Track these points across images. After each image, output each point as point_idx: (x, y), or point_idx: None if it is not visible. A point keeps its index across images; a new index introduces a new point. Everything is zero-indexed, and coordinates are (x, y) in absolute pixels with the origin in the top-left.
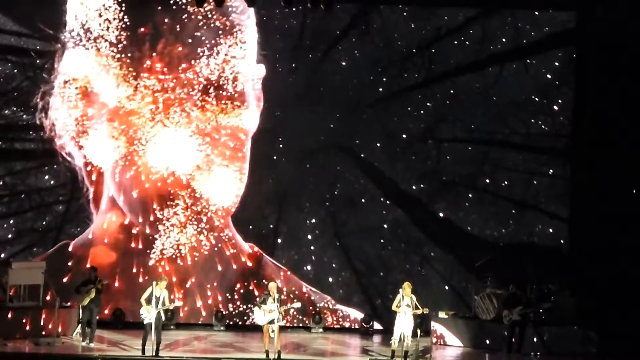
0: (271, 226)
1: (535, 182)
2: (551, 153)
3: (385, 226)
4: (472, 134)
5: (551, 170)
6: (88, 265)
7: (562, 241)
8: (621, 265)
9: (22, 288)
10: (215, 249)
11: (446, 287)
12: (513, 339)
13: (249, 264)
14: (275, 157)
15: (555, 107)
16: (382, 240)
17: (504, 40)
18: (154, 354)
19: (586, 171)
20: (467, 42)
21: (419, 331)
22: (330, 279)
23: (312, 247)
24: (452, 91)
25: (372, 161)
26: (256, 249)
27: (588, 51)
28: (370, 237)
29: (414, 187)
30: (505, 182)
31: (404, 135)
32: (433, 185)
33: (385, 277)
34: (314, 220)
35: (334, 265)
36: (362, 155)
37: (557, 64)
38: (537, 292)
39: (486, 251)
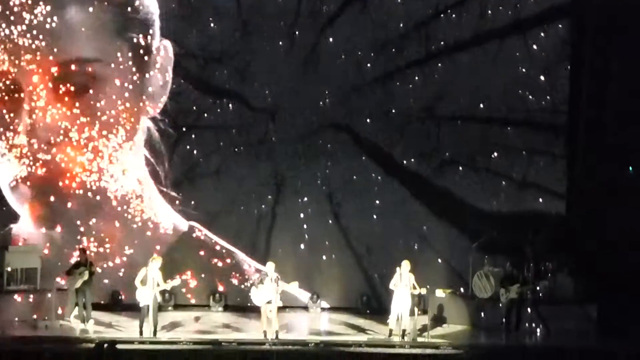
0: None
1: (534, 159)
2: (550, 130)
3: (383, 205)
4: (471, 112)
5: (550, 148)
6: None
7: (560, 219)
8: (620, 244)
9: (18, 271)
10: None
11: (444, 266)
12: (510, 318)
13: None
14: (275, 138)
15: (554, 84)
16: (379, 219)
17: (502, 15)
18: (152, 335)
19: (584, 149)
20: (465, 18)
21: (416, 310)
22: (324, 257)
23: (306, 227)
24: (451, 68)
25: (370, 140)
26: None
27: (587, 24)
28: (367, 217)
29: (413, 166)
30: (504, 160)
31: (403, 114)
32: (432, 163)
33: (383, 257)
34: (310, 200)
35: (327, 243)
36: (360, 134)
37: (556, 39)
38: (534, 271)
39: (485, 229)
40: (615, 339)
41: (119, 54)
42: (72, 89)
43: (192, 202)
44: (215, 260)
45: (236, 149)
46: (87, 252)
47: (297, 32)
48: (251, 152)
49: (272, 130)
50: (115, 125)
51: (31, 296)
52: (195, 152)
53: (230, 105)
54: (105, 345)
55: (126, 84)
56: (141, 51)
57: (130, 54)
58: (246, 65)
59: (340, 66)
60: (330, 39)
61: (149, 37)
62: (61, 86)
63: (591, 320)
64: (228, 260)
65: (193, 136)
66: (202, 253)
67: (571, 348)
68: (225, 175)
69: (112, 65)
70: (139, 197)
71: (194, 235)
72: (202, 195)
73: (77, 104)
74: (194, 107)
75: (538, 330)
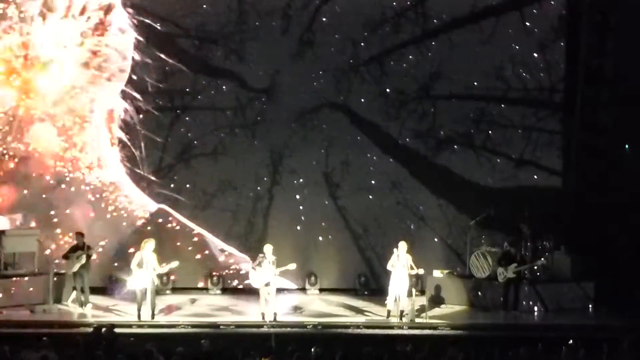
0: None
1: (531, 136)
2: (547, 107)
3: (380, 185)
4: (468, 90)
5: (547, 125)
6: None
7: (556, 195)
8: (618, 223)
9: (15, 256)
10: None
11: (441, 245)
12: (508, 297)
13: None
14: (271, 118)
15: (551, 61)
16: (376, 199)
17: None
18: (150, 319)
19: (581, 125)
20: None
21: (414, 290)
22: (321, 238)
23: (302, 207)
24: (447, 47)
25: (367, 120)
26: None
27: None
28: (364, 197)
29: (410, 145)
30: (501, 137)
31: (399, 93)
32: (429, 142)
33: (380, 237)
34: (306, 181)
35: (324, 224)
36: (357, 114)
37: (552, 15)
38: (531, 249)
39: (482, 208)
40: (612, 316)
41: None
42: None
43: (187, 185)
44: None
45: (232, 130)
46: (84, 235)
47: (292, 11)
48: (247, 132)
49: (268, 110)
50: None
51: (28, 280)
52: (190, 133)
53: (225, 85)
54: (104, 329)
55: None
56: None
57: None
58: (242, 45)
59: (336, 45)
60: (326, 18)
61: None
62: None
63: (589, 297)
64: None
65: (187, 118)
66: (178, 243)
67: (569, 326)
68: (222, 156)
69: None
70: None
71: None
72: (198, 177)
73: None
74: (188, 88)
75: (535, 308)
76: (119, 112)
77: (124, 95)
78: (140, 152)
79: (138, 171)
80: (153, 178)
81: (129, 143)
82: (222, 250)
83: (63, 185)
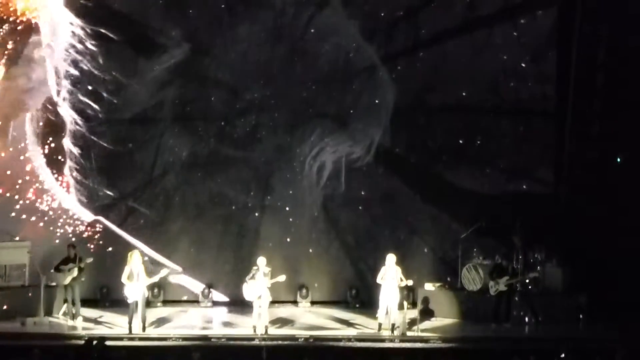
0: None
1: (523, 148)
2: (538, 117)
3: (372, 196)
4: (460, 101)
5: (539, 136)
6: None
7: (547, 206)
8: (609, 235)
9: (6, 268)
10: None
11: (433, 258)
12: (500, 309)
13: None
14: (263, 130)
15: (542, 71)
16: (367, 211)
17: (491, 2)
18: (141, 331)
19: (572, 135)
20: (453, 6)
21: (405, 303)
22: (312, 250)
23: (292, 219)
24: (439, 58)
25: (359, 130)
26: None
27: (574, 10)
28: (355, 208)
29: (401, 156)
30: (492, 147)
31: (391, 103)
32: (421, 152)
33: (372, 249)
34: (296, 192)
35: (314, 236)
36: (348, 124)
37: (544, 26)
38: (523, 262)
39: (473, 219)
40: (604, 328)
41: None
42: None
43: (177, 198)
44: None
45: (223, 140)
46: (76, 247)
47: (284, 21)
48: (238, 142)
49: (259, 120)
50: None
51: (19, 292)
52: (179, 144)
53: (215, 96)
54: (95, 341)
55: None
56: None
57: None
58: (232, 55)
59: (327, 55)
60: (315, 29)
61: None
62: None
63: (582, 309)
64: None
65: (176, 129)
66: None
67: (561, 338)
68: (212, 167)
69: None
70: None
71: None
72: (188, 188)
73: None
74: (178, 100)
75: (527, 320)
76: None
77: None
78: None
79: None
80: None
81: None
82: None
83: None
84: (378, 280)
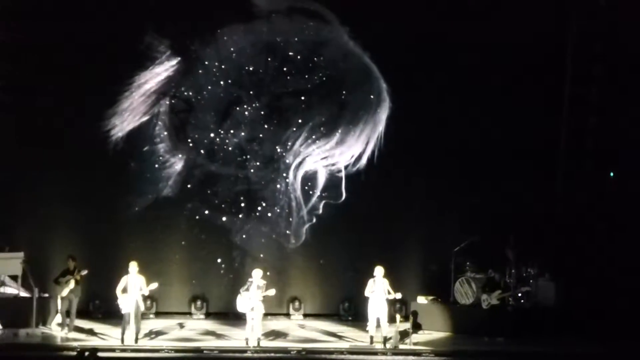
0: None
1: (519, 163)
2: (534, 133)
3: (364, 210)
4: (456, 113)
5: (534, 151)
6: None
7: (542, 221)
8: (605, 251)
9: None
10: None
11: (425, 272)
12: (492, 323)
13: None
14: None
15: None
16: (361, 224)
17: None
18: (134, 343)
19: (566, 153)
20: None
21: (398, 316)
22: (304, 263)
23: (287, 232)
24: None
25: (354, 142)
26: None
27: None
28: (348, 221)
29: (393, 169)
30: (488, 163)
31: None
32: (415, 165)
33: (365, 262)
34: (290, 204)
35: (307, 249)
36: (342, 136)
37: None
38: (515, 276)
39: (467, 234)
40: (594, 342)
41: None
42: None
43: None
44: None
45: (213, 153)
46: (76, 259)
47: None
48: (228, 154)
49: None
50: None
51: (12, 303)
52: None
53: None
54: (87, 353)
55: None
56: None
57: None
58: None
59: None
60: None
61: None
62: None
63: (574, 324)
64: None
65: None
66: None
67: (553, 352)
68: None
69: None
70: None
71: None
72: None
73: None
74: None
75: (519, 334)
76: None
77: None
78: None
79: None
80: None
81: None
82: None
83: None
84: (366, 294)
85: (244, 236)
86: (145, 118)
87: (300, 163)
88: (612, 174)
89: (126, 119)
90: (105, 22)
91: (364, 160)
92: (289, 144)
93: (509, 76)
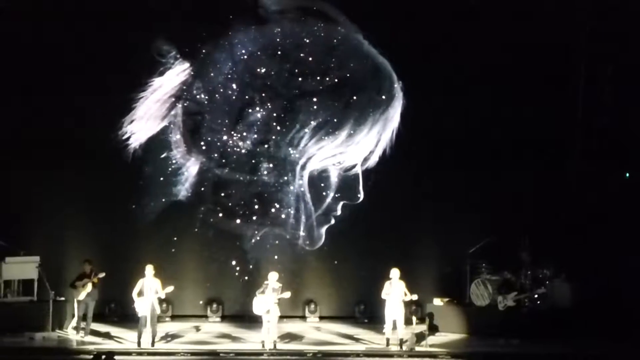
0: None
1: (531, 165)
2: (547, 139)
3: (379, 212)
4: (467, 109)
5: (547, 155)
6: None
7: (556, 224)
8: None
9: (16, 283)
10: None
11: (441, 273)
12: (508, 325)
13: None
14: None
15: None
16: (375, 226)
17: None
18: (150, 346)
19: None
20: None
21: (414, 319)
22: (320, 266)
23: (302, 234)
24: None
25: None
26: None
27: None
28: (363, 223)
29: (408, 171)
30: (502, 165)
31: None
32: (427, 168)
33: (381, 264)
34: (306, 206)
35: (323, 252)
36: (354, 137)
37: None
38: (531, 278)
39: (483, 235)
40: (610, 343)
41: None
42: None
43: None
44: None
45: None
46: (92, 263)
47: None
48: (241, 157)
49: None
50: None
51: (28, 307)
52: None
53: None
54: (103, 356)
55: None
56: None
57: None
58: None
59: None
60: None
61: None
62: None
63: (590, 325)
64: None
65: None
66: None
67: (570, 354)
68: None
69: None
70: None
71: None
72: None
73: None
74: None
75: (536, 336)
76: None
77: None
78: None
79: None
80: None
81: None
82: None
83: None
84: (383, 296)
85: (258, 239)
86: (163, 124)
87: (313, 164)
88: (627, 175)
89: (144, 125)
90: (115, 25)
91: (377, 160)
92: (302, 145)
93: (522, 76)
